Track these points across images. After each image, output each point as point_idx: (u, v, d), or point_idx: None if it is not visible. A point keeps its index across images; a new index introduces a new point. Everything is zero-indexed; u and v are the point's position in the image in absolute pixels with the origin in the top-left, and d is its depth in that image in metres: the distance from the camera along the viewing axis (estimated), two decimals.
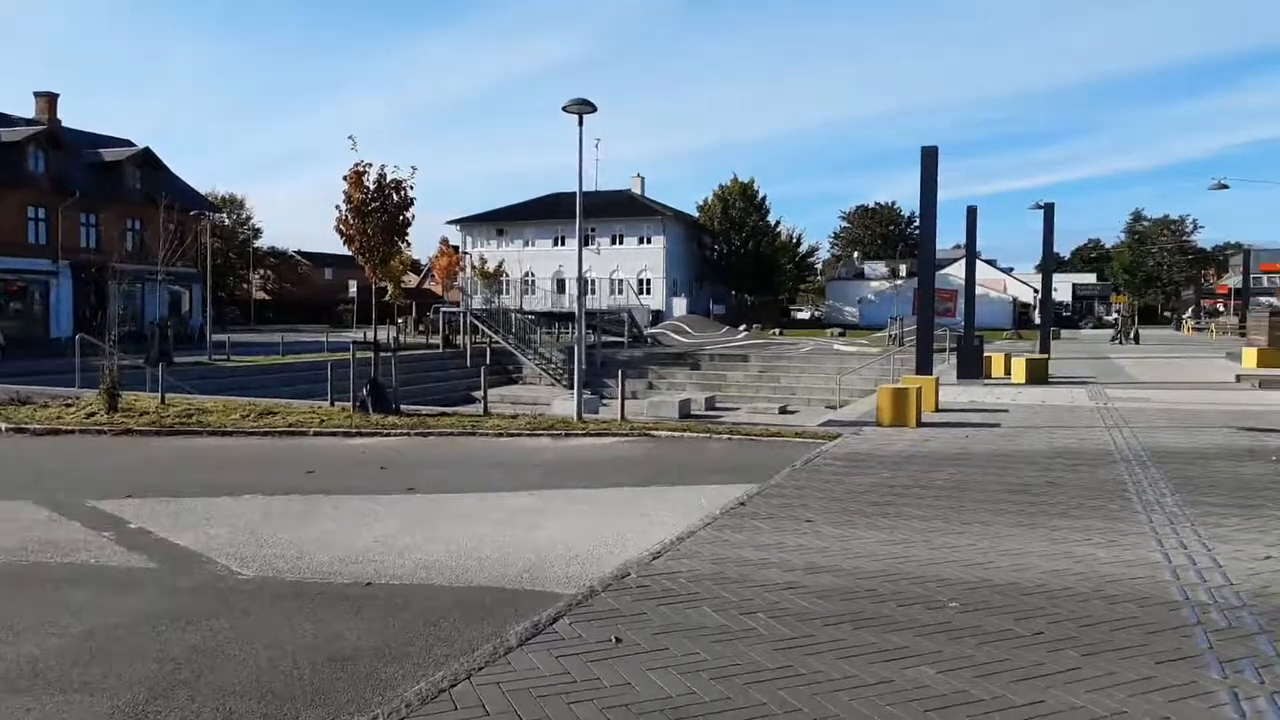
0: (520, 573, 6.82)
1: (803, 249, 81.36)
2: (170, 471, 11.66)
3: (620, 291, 60.55)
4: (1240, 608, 5.84)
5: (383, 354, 18.54)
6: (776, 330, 60.84)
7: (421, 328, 47.80)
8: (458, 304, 48.67)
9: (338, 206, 17.68)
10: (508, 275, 60.39)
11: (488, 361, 37.72)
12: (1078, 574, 6.60)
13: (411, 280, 79.49)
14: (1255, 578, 6.48)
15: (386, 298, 56.38)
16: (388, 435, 14.35)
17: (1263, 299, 57.54)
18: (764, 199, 70.02)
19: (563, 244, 62.96)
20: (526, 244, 65.53)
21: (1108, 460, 11.50)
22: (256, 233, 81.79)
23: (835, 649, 5.14)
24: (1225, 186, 33.27)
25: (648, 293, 62.75)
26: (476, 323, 40.46)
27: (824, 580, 6.44)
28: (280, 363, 30.85)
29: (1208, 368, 27.90)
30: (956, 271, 51.97)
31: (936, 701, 4.46)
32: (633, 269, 63.14)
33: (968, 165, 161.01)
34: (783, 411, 29.19)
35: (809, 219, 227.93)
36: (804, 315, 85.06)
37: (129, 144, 44.64)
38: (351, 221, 17.74)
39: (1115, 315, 63.12)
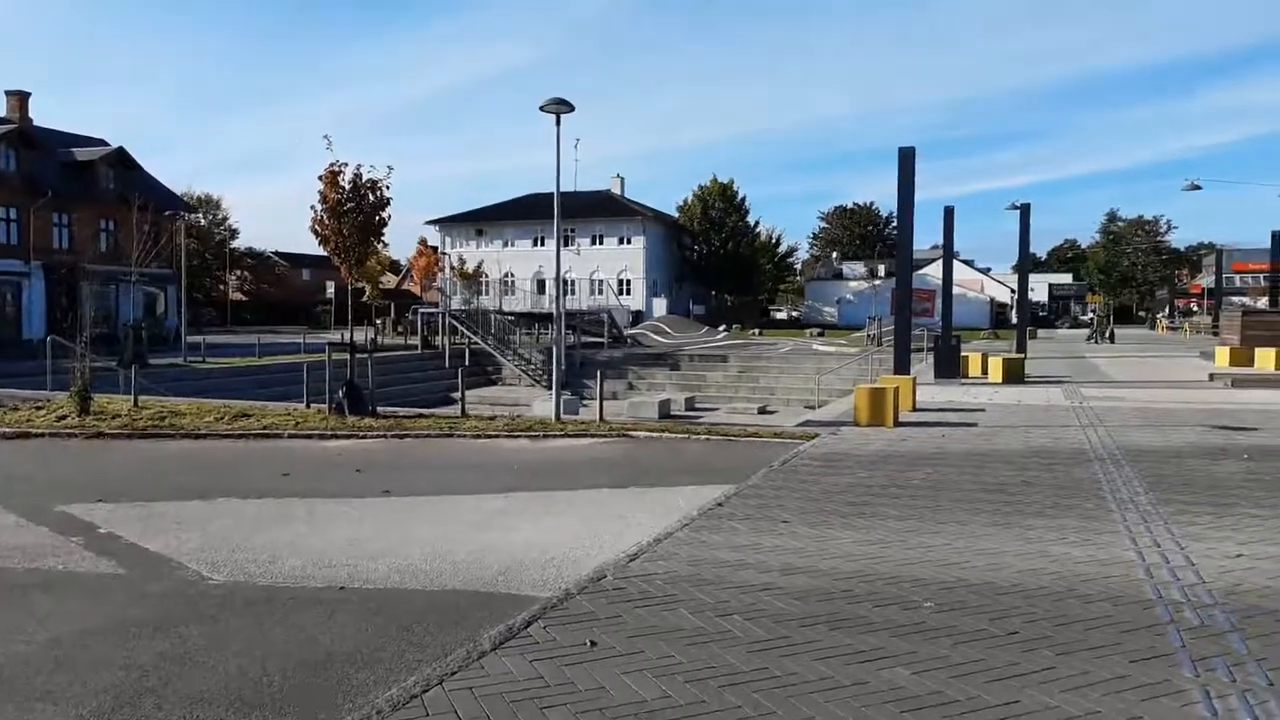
0: (495, 576, 6.77)
1: (782, 249, 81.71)
2: (142, 475, 11.52)
3: (600, 292, 60.52)
4: (1212, 606, 5.88)
5: (359, 355, 18.41)
6: (756, 330, 60.95)
7: (400, 329, 47.56)
8: (436, 305, 48.46)
9: (313, 207, 17.62)
10: (487, 276, 60.22)
11: (466, 363, 37.61)
12: (1053, 573, 6.63)
13: (390, 281, 79.19)
14: (1227, 575, 6.53)
15: (364, 298, 55.96)
16: (364, 437, 14.24)
17: (1235, 299, 58.27)
18: (743, 199, 70.24)
19: (542, 244, 62.83)
20: (506, 244, 65.33)
21: (1083, 459, 11.58)
22: (233, 233, 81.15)
23: (811, 650, 5.13)
24: (1198, 187, 33.71)
25: (628, 293, 62.73)
26: (455, 323, 40.27)
27: (800, 581, 6.43)
28: (256, 364, 30.58)
29: (1181, 367, 28.19)
30: (934, 272, 52.31)
31: (911, 703, 4.46)
32: (613, 269, 63.10)
33: (946, 166, 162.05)
34: (762, 412, 29.22)
35: (788, 219, 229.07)
36: (783, 315, 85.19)
37: (103, 143, 44.12)
38: (327, 222, 17.60)
39: (1091, 315, 63.64)
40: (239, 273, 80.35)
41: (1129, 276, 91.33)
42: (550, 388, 19.13)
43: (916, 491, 9.58)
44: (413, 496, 9.82)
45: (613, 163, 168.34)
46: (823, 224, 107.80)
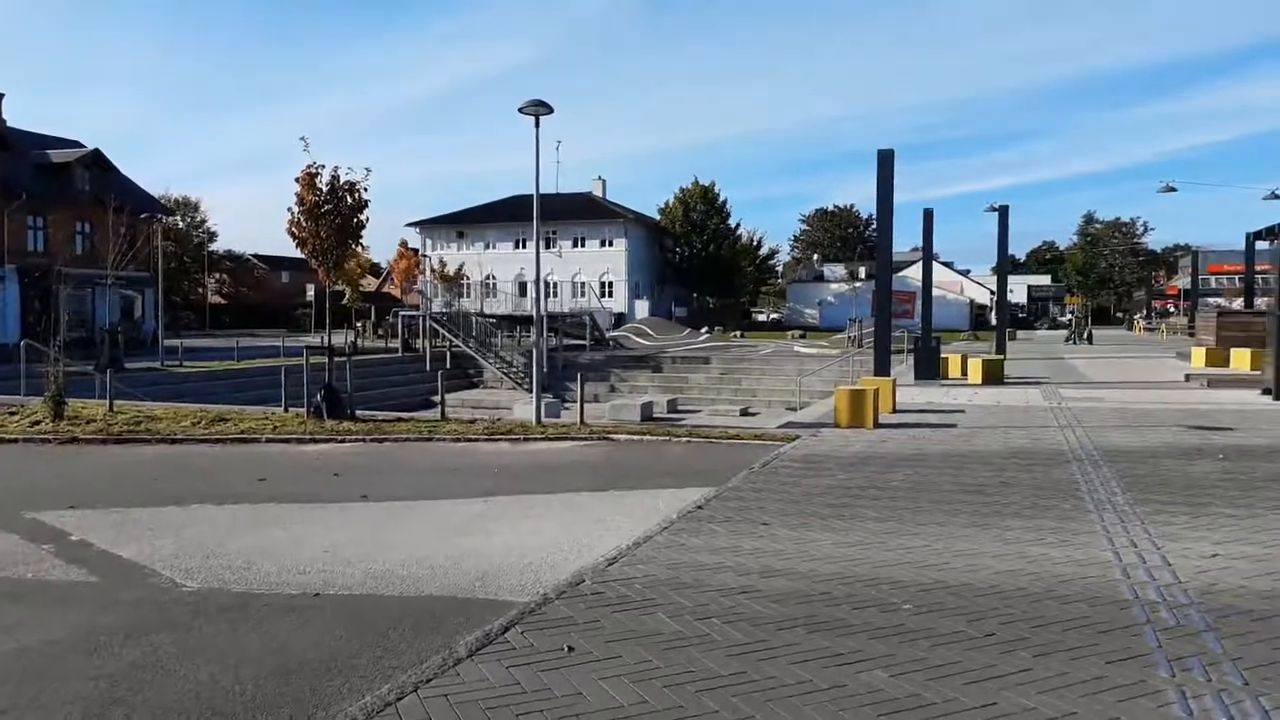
0: (473, 581, 6.72)
1: (763, 252, 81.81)
2: (116, 481, 11.37)
3: (582, 294, 60.48)
4: (1188, 605, 5.91)
5: (338, 358, 18.27)
6: (738, 332, 61.04)
7: (381, 331, 47.31)
8: (418, 307, 48.24)
9: (290, 209, 17.40)
10: (468, 278, 60.06)
11: (448, 366, 37.45)
12: (1031, 574, 6.64)
13: (371, 284, 78.75)
14: (1203, 575, 6.57)
15: (344, 301, 55.66)
16: (342, 441, 14.13)
17: (1211, 300, 58.91)
18: (725, 202, 70.36)
19: (524, 246, 62.71)
20: (488, 247, 65.14)
21: (1061, 460, 11.64)
22: (212, 236, 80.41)
23: (789, 654, 5.11)
24: (1173, 189, 34.02)
25: (610, 295, 62.70)
26: (436, 326, 40.09)
27: (779, 584, 6.42)
28: (235, 368, 30.32)
29: (1158, 367, 28.44)
30: (914, 273, 52.61)
31: (889, 705, 4.44)
32: (595, 272, 63.07)
33: (926, 168, 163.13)
34: (744, 413, 29.27)
35: (769, 222, 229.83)
36: (765, 318, 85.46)
37: (78, 145, 43.65)
38: (304, 224, 17.45)
39: (1069, 316, 64.23)
40: (218, 276, 79.68)
41: (1107, 278, 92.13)
42: (532, 390, 19.08)
43: (896, 493, 9.59)
44: (391, 501, 9.74)
45: (593, 165, 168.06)
46: (804, 226, 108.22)
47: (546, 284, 60.51)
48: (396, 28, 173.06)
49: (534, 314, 18.04)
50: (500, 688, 4.64)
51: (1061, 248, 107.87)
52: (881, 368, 20.41)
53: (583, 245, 64.19)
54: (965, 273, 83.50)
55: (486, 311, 48.66)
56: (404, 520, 8.83)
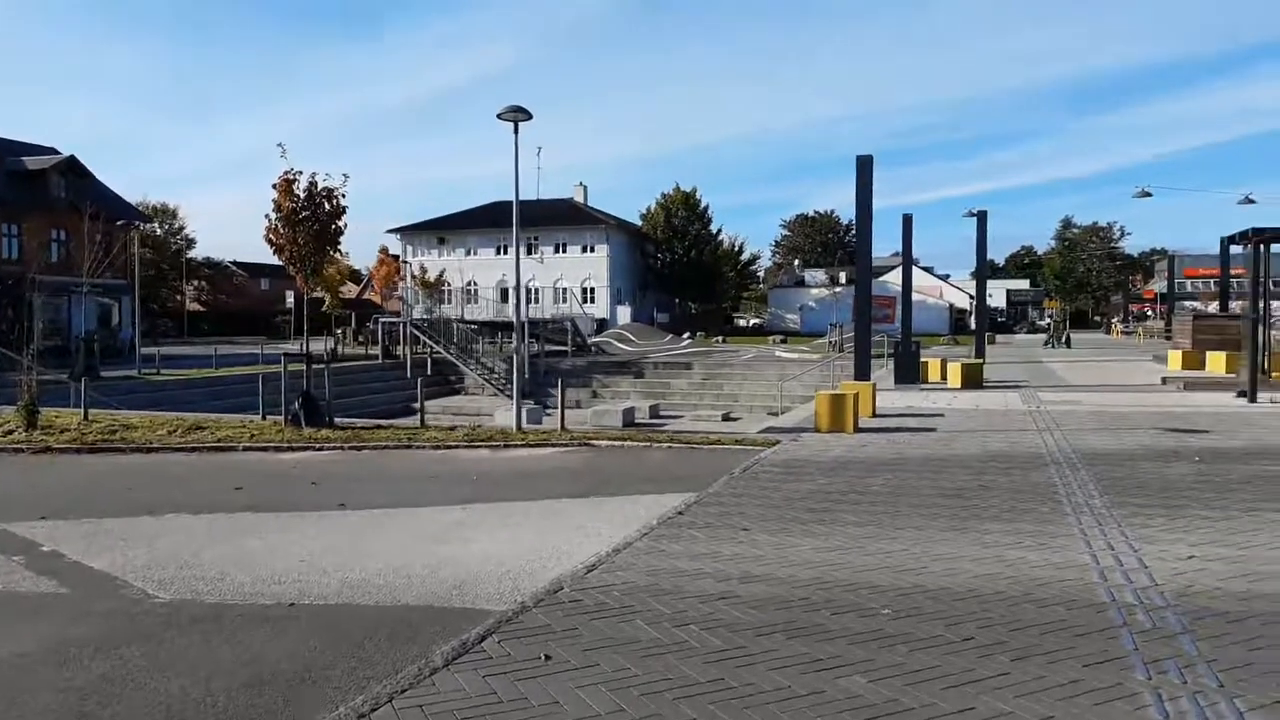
0: (450, 590, 6.66)
1: (745, 257, 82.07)
2: (90, 491, 11.22)
3: (564, 300, 60.42)
4: (1165, 608, 5.93)
5: (317, 365, 18.14)
6: (719, 338, 61.09)
7: (361, 338, 47.01)
8: (398, 314, 48.02)
9: (267, 216, 17.30)
10: (449, 284, 59.87)
11: (429, 372, 37.31)
12: (1009, 578, 6.65)
13: (352, 290, 78.40)
14: (1179, 578, 6.60)
15: (324, 308, 55.33)
16: (321, 449, 14.01)
17: (1187, 303, 59.49)
18: (706, 207, 70.52)
19: (506, 252, 62.50)
20: (469, 253, 64.97)
21: (1039, 463, 11.69)
22: (190, 243, 79.73)
23: (768, 660, 5.09)
24: (1149, 194, 34.41)
25: (592, 301, 62.66)
26: (417, 333, 39.90)
27: (758, 589, 6.40)
28: (212, 376, 30.06)
29: (1135, 370, 28.68)
30: (894, 278, 52.79)
31: (867, 711, 4.43)
32: (576, 278, 63.02)
33: (905, 174, 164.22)
34: (726, 419, 29.30)
35: (750, 227, 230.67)
36: (747, 323, 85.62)
37: (53, 151, 43.24)
38: (282, 231, 17.31)
39: (1048, 320, 64.73)
40: (196, 283, 79.05)
41: (1084, 282, 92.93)
42: (513, 397, 19.01)
43: (876, 497, 9.61)
44: (368, 509, 9.66)
45: (575, 171, 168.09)
46: (785, 232, 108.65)
47: (528, 290, 60.40)
48: (377, 34, 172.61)
49: (514, 320, 17.97)
50: (476, 698, 4.59)
51: (1040, 252, 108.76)
52: (862, 372, 20.46)
53: (564, 251, 64.13)
54: (945, 277, 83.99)
55: (468, 318, 48.47)
56: (381, 529, 8.76)
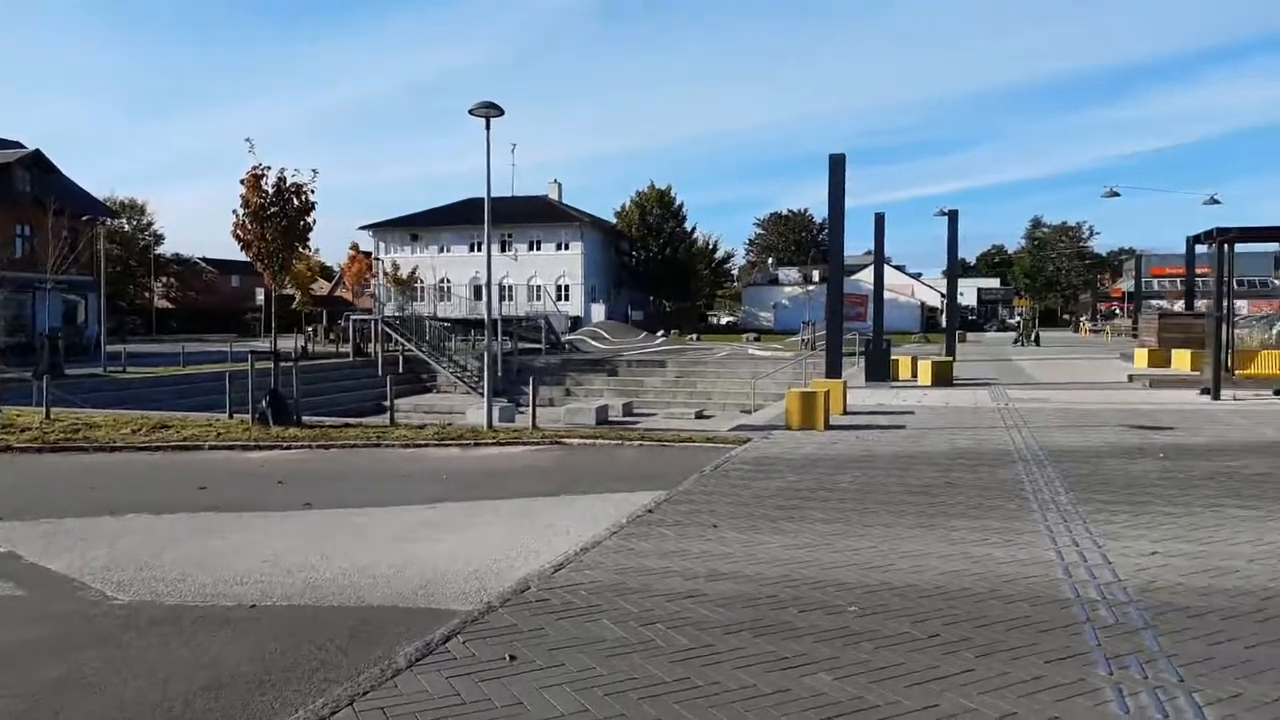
0: (416, 590, 6.59)
1: (719, 255, 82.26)
2: (50, 491, 11.02)
3: (538, 298, 60.17)
4: (1127, 604, 5.98)
5: (285, 363, 17.94)
6: (694, 335, 61.18)
7: (332, 336, 46.61)
8: (370, 311, 47.64)
9: (235, 211, 17.09)
10: (422, 282, 59.42)
11: (400, 370, 37.07)
12: (975, 574, 6.69)
13: (323, 287, 77.75)
14: (1142, 573, 6.66)
15: (294, 305, 54.75)
16: (288, 448, 13.85)
17: (1153, 302, 60.34)
18: (681, 206, 70.61)
19: (479, 249, 62.20)
20: (442, 250, 64.58)
21: (1006, 460, 11.78)
22: (159, 239, 78.58)
23: (734, 658, 5.07)
24: (1117, 194, 34.85)
25: (566, 299, 62.50)
26: (389, 330, 39.60)
27: (725, 587, 6.39)
28: (179, 374, 29.67)
29: (1103, 368, 29.02)
30: (866, 277, 53.14)
31: (832, 709, 4.42)
32: (551, 275, 62.82)
33: (877, 173, 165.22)
34: (699, 416, 29.33)
35: (725, 225, 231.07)
36: (721, 320, 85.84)
37: (18, 146, 42.51)
38: (249, 227, 17.10)
39: (1017, 318, 65.42)
40: (165, 279, 77.97)
41: (1054, 281, 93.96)
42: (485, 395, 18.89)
43: (844, 494, 9.63)
44: (335, 509, 9.55)
45: (549, 168, 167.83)
46: (759, 230, 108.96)
47: (502, 287, 60.08)
48: (350, 28, 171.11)
49: (487, 318, 17.88)
50: (439, 699, 4.54)
51: (1010, 251, 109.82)
52: (833, 370, 20.55)
53: (539, 248, 63.93)
54: (917, 276, 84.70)
55: (441, 315, 48.14)
56: (348, 528, 8.66)
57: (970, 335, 59.86)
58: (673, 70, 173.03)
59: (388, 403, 19.16)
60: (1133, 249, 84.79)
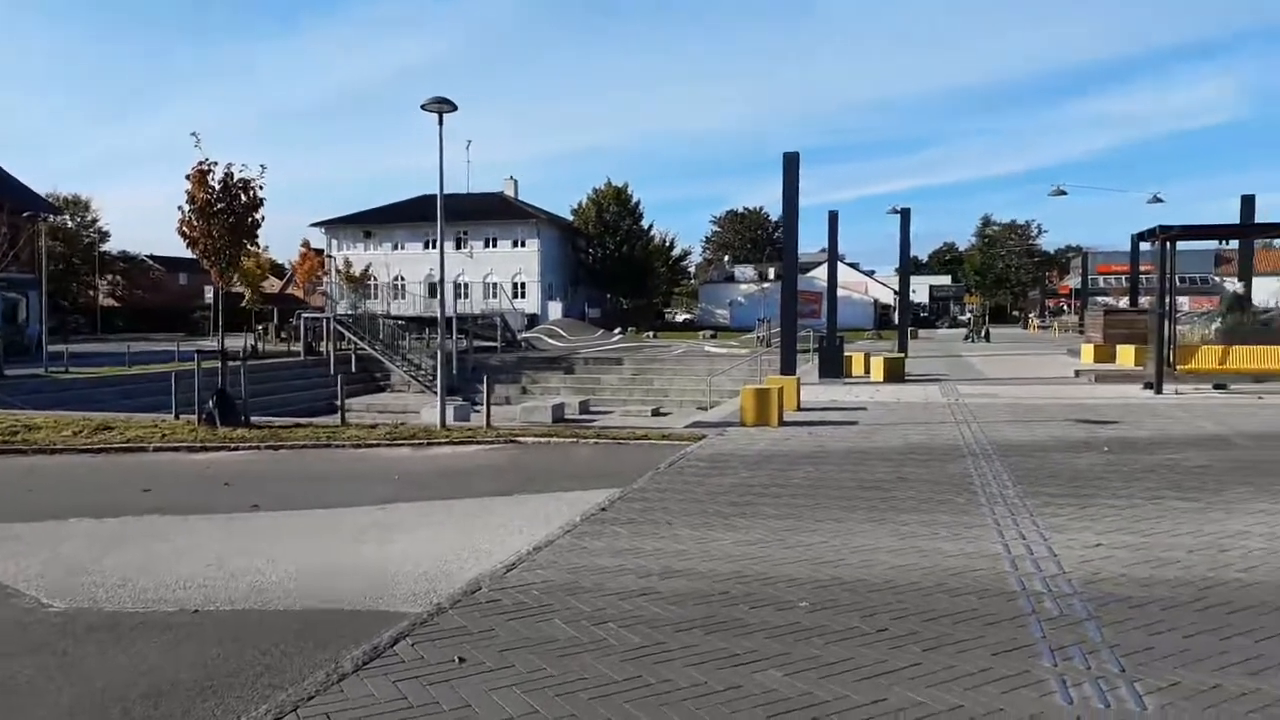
0: (364, 592, 6.49)
1: (676, 253, 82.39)
2: None
3: (494, 295, 59.84)
4: (1071, 595, 6.09)
5: (233, 362, 17.60)
6: (650, 333, 61.28)
7: (284, 335, 45.89)
8: (322, 309, 46.98)
9: (180, 207, 16.69)
10: (375, 279, 58.77)
11: (353, 369, 36.63)
12: (924, 568, 6.76)
13: (274, 285, 76.35)
14: (1086, 565, 6.78)
15: (244, 303, 53.79)
16: (236, 449, 13.59)
17: (1099, 299, 61.58)
18: (637, 203, 70.64)
19: (434, 247, 61.54)
20: (396, 247, 63.94)
21: (956, 455, 11.94)
22: (104, 236, 76.75)
23: (685, 656, 5.06)
24: (1064, 193, 35.50)
25: (522, 296, 62.22)
26: (341, 329, 39.09)
27: (678, 585, 6.38)
28: (124, 374, 29.01)
29: (1050, 364, 29.56)
30: (821, 274, 53.54)
31: (782, 705, 4.43)
32: (507, 273, 62.51)
33: (829, 171, 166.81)
34: (656, 414, 29.36)
35: (681, 223, 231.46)
36: (678, 318, 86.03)
37: None
38: (196, 223, 16.71)
39: (968, 315, 66.41)
40: (110, 277, 76.13)
41: (1003, 278, 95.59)
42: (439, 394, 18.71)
43: (797, 490, 9.69)
44: (283, 511, 9.39)
45: (505, 165, 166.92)
46: (715, 228, 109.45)
47: (457, 285, 59.70)
48: (301, 21, 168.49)
49: (440, 315, 17.71)
50: (385, 703, 4.47)
51: (961, 249, 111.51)
52: (788, 367, 20.70)
53: (495, 246, 63.57)
54: (870, 273, 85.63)
55: (395, 313, 47.64)
56: (296, 530, 8.51)
57: (922, 332, 60.71)
58: (631, 67, 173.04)
59: (339, 402, 18.91)
60: (1079, 247, 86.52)
